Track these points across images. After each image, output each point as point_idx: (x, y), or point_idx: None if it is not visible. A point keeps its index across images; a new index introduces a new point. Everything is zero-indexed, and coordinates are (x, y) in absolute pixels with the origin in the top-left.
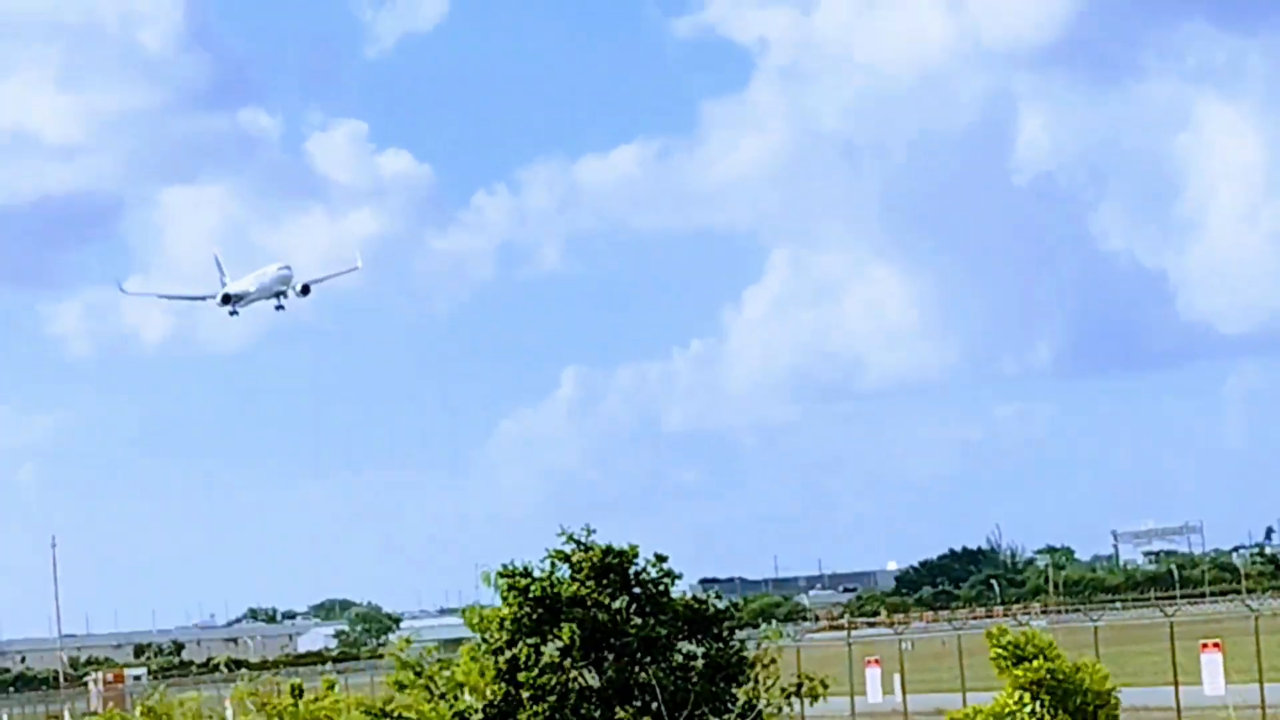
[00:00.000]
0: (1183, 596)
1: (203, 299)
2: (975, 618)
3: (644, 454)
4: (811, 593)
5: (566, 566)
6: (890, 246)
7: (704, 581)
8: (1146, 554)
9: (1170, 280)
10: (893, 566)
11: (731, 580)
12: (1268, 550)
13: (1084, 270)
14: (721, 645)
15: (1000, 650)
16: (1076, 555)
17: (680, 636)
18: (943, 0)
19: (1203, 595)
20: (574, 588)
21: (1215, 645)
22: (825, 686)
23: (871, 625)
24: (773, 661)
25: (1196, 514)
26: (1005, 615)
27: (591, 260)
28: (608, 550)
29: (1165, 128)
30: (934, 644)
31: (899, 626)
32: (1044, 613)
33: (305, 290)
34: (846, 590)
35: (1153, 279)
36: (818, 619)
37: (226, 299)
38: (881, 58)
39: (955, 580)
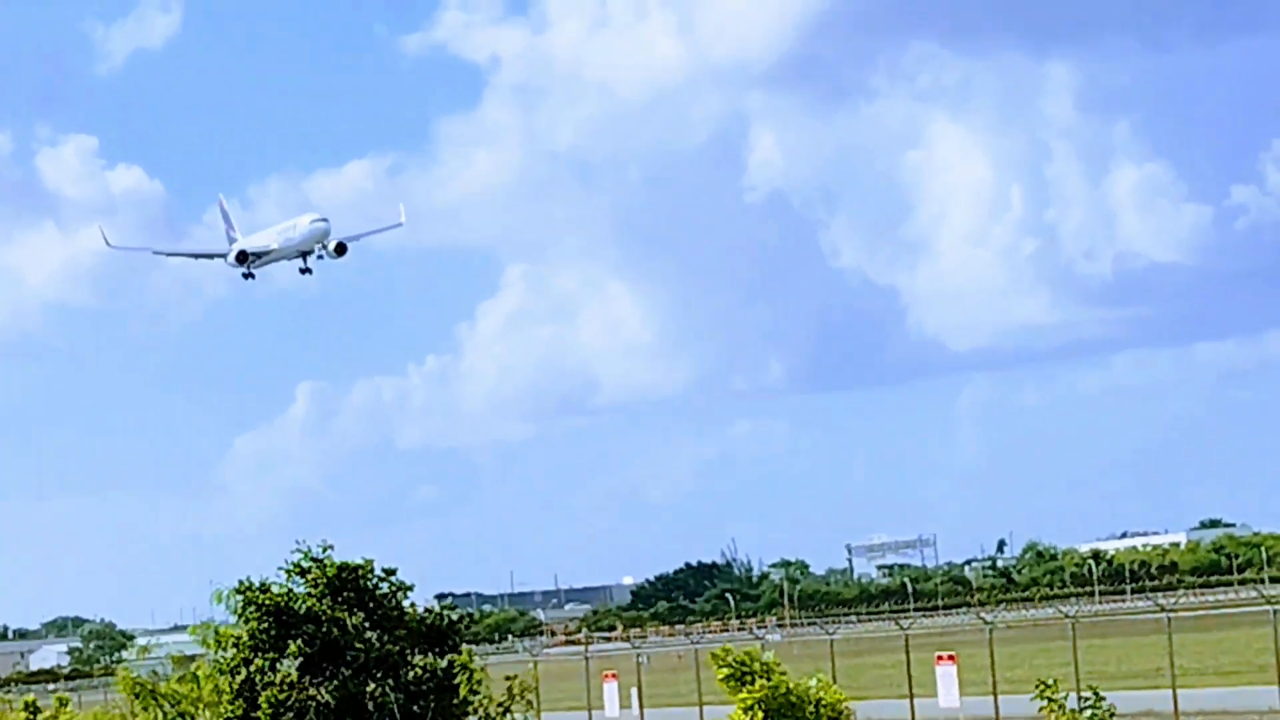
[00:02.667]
0: (917, 609)
1: (210, 257)
2: (711, 631)
3: (380, 471)
4: (548, 607)
5: (303, 582)
6: (625, 264)
7: (440, 597)
8: (880, 567)
9: (901, 297)
10: (629, 581)
11: (468, 595)
12: (999, 563)
13: (816, 287)
14: (454, 659)
15: (727, 670)
16: (811, 569)
17: (414, 651)
18: (673, 20)
19: (936, 608)
20: (309, 603)
21: (950, 658)
22: (533, 688)
23: (608, 640)
24: (482, 670)
25: (930, 528)
26: (741, 629)
27: (325, 276)
28: (343, 566)
29: (896, 147)
30: (670, 658)
31: (635, 641)
32: (779, 626)
33: (341, 249)
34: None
35: (884, 296)
36: (554, 634)
37: (242, 257)
38: (614, 77)
39: (691, 594)
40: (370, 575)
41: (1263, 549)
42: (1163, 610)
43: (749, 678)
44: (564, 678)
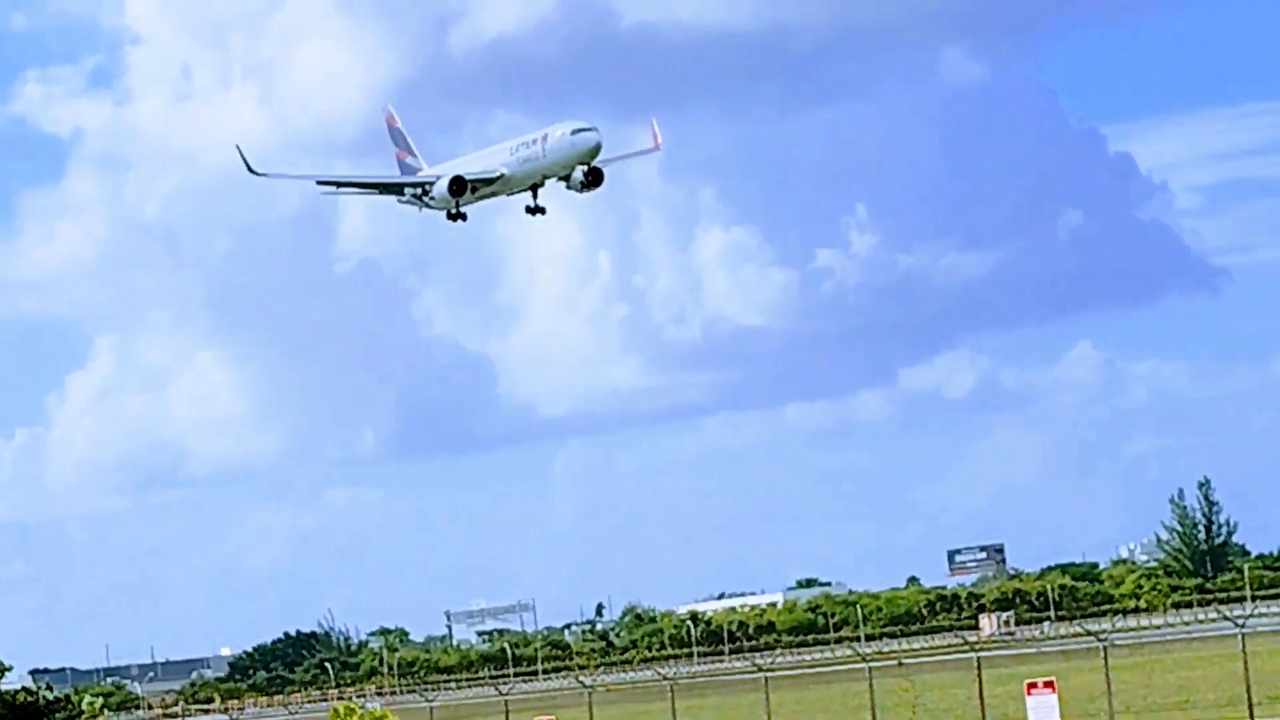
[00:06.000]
0: (517, 674)
1: (398, 188)
2: (310, 701)
3: None
4: (145, 681)
5: None
6: (216, 334)
7: (34, 673)
8: (480, 633)
9: (494, 364)
10: (226, 653)
11: (62, 671)
12: (599, 627)
13: (409, 355)
14: None
15: None
16: (411, 636)
17: None
18: (255, 92)
19: (536, 673)
20: None
21: None
22: None
23: (206, 712)
24: None
25: (529, 592)
26: (340, 698)
27: None
28: None
29: (486, 214)
30: None
31: (234, 712)
32: (379, 694)
33: (596, 178)
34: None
35: (476, 363)
36: (151, 707)
37: (459, 185)
38: (200, 147)
39: (290, 664)
40: None
41: (858, 607)
42: (760, 670)
43: None
44: None
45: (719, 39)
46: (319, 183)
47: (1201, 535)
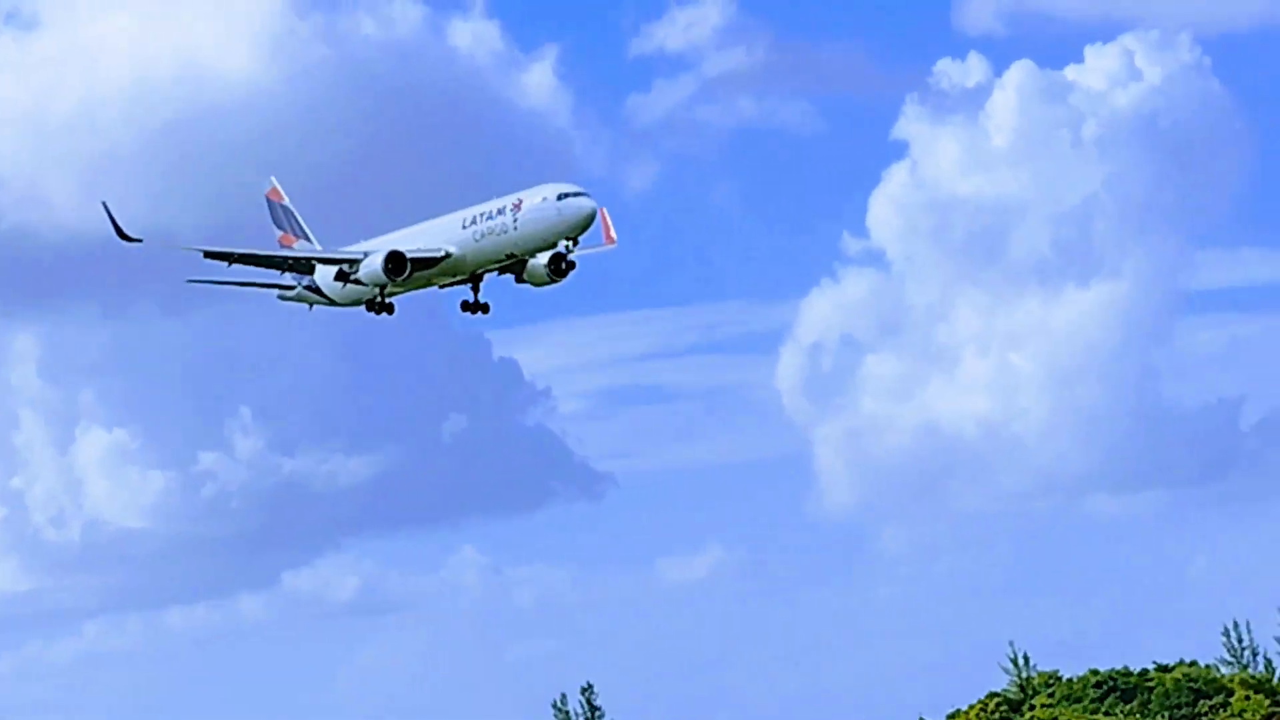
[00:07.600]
0: None
1: (308, 267)
2: None
3: None
4: None
5: None
6: None
7: None
8: None
9: None
10: None
11: None
12: None
13: None
14: None
15: None
16: None
17: None
18: None
19: None
20: None
21: None
22: None
23: None
24: None
25: None
26: None
27: None
28: None
29: None
30: None
31: None
32: None
33: (561, 267)
34: None
35: None
36: None
37: (397, 264)
38: None
39: None
40: None
41: None
42: None
43: None
44: None
45: (101, 242)
46: (206, 255)
47: None
